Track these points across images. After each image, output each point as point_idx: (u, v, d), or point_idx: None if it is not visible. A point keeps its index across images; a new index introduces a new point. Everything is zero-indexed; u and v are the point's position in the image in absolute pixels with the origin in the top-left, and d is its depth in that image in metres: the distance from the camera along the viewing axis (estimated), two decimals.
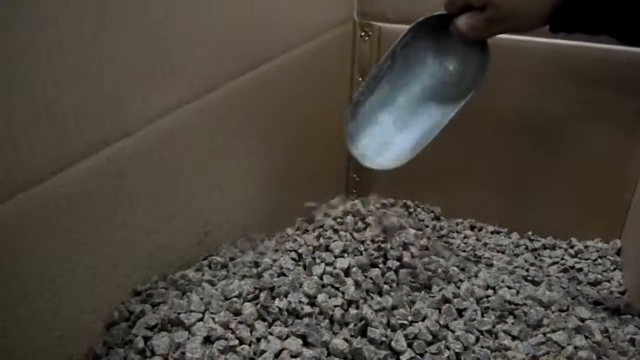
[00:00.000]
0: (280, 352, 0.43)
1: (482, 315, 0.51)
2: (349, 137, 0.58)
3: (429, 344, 0.47)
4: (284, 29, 0.65)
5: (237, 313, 0.46)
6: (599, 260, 0.75)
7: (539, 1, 0.49)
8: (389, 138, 0.58)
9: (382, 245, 0.55)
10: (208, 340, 0.43)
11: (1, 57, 0.35)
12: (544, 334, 0.49)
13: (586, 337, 0.49)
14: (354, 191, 0.87)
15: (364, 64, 0.80)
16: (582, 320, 0.52)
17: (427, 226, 0.82)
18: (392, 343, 0.46)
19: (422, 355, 0.46)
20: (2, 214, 0.37)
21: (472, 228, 0.83)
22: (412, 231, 0.57)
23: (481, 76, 0.54)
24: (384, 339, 0.46)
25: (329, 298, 0.48)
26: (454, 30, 0.54)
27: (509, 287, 0.55)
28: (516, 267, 0.70)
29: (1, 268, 0.37)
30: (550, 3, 0.49)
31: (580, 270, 0.74)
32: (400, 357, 0.46)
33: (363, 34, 0.78)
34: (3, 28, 0.35)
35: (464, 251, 0.76)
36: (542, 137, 0.75)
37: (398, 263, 0.54)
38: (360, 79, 0.81)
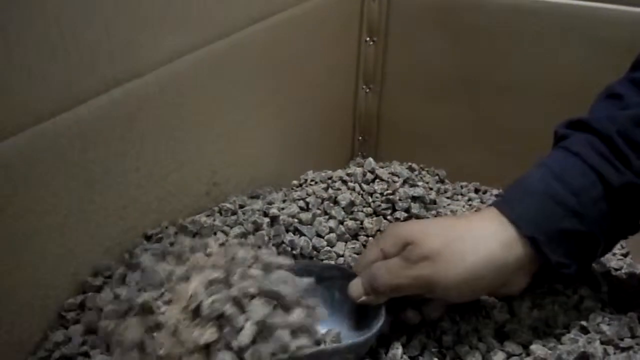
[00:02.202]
0: None
1: None
2: None
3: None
4: None
5: None
6: None
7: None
8: None
9: (391, 197, 0.55)
10: None
11: None
12: (549, 285, 0.50)
13: (592, 289, 0.50)
14: (360, 153, 0.87)
15: (372, 23, 0.79)
16: (587, 272, 0.52)
17: (431, 189, 0.82)
18: None
19: None
20: (16, 146, 0.37)
21: (476, 191, 0.83)
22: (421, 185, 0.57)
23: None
24: None
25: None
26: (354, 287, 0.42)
27: None
28: None
29: (14, 201, 0.38)
30: (529, 271, 0.42)
31: None
32: None
33: None
34: None
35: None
36: (547, 101, 0.75)
37: (406, 214, 0.54)
38: (368, 38, 0.80)
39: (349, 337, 0.40)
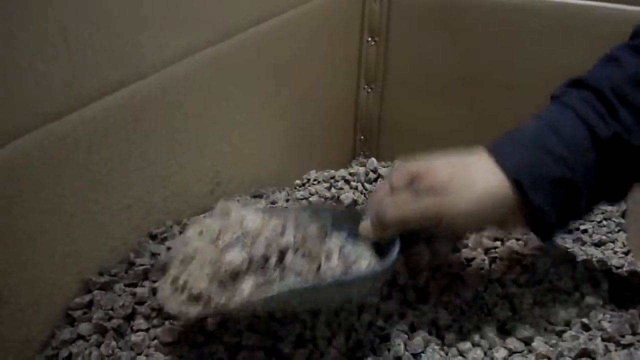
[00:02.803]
0: None
1: (490, 265, 0.52)
2: None
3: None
4: None
5: None
6: (604, 222, 0.76)
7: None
8: None
9: None
10: None
11: None
12: (551, 282, 0.50)
13: (593, 286, 0.50)
14: (362, 152, 0.87)
15: (373, 23, 0.79)
16: (589, 269, 0.52)
17: None
18: None
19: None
20: (23, 147, 0.37)
21: None
22: None
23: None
24: None
25: None
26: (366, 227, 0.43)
27: (517, 239, 0.56)
28: None
29: (20, 201, 0.38)
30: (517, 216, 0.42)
31: (585, 231, 0.74)
32: None
33: None
34: None
35: None
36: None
37: None
38: (369, 38, 0.80)
39: None
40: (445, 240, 0.44)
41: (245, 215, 0.39)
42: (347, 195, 0.55)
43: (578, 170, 0.41)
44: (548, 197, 0.41)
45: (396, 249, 0.41)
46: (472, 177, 0.41)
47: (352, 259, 0.41)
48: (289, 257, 0.38)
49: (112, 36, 0.43)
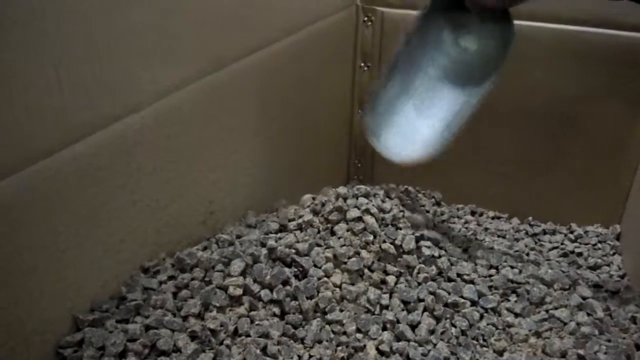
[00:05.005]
0: None
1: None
2: (369, 130, 0.53)
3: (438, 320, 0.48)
4: (287, 11, 0.65)
5: None
6: (599, 245, 0.76)
7: None
8: (412, 127, 0.53)
9: None
10: None
11: (12, 24, 0.35)
12: (547, 311, 0.50)
13: (588, 314, 0.50)
14: (357, 177, 0.88)
15: (366, 49, 0.80)
16: (584, 298, 0.52)
17: (428, 211, 0.82)
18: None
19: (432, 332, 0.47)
20: (15, 184, 0.37)
21: (472, 213, 0.84)
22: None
23: (504, 52, 0.49)
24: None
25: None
26: (473, 3, 0.48)
27: (512, 267, 0.56)
28: (517, 251, 0.71)
29: (13, 238, 0.38)
30: None
31: (580, 254, 0.74)
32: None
33: (366, 19, 0.78)
34: None
35: (465, 235, 0.76)
36: (542, 122, 0.76)
37: None
38: (362, 64, 0.81)
39: None
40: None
41: None
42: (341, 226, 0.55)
43: None
44: None
45: None
46: None
47: None
48: None
49: (105, 69, 0.43)
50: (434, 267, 0.52)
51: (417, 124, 0.53)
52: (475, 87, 0.51)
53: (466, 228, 0.80)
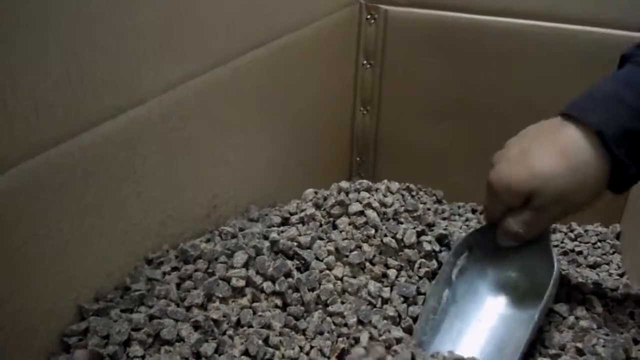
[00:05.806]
0: None
1: None
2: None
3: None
4: (291, 7, 0.66)
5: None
6: (599, 244, 0.76)
7: (587, 175, 0.44)
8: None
9: None
10: None
11: (21, 24, 0.36)
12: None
13: (587, 309, 0.50)
14: (359, 174, 0.88)
15: (369, 46, 0.80)
16: (583, 292, 0.53)
17: (429, 209, 0.83)
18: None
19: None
20: (22, 174, 0.38)
21: (473, 211, 0.84)
22: None
23: (551, 272, 0.47)
24: None
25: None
26: (505, 235, 0.49)
27: None
28: None
29: (19, 228, 0.38)
30: (601, 170, 0.44)
31: (580, 253, 0.75)
32: None
33: (369, 16, 0.79)
34: None
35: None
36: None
37: None
38: (365, 62, 0.81)
39: None
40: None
41: None
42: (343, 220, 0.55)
43: None
44: (627, 150, 0.43)
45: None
46: (581, 174, 0.44)
47: None
48: None
49: (112, 64, 0.43)
50: (434, 262, 0.53)
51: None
52: (529, 311, 0.48)
53: (467, 226, 0.80)
